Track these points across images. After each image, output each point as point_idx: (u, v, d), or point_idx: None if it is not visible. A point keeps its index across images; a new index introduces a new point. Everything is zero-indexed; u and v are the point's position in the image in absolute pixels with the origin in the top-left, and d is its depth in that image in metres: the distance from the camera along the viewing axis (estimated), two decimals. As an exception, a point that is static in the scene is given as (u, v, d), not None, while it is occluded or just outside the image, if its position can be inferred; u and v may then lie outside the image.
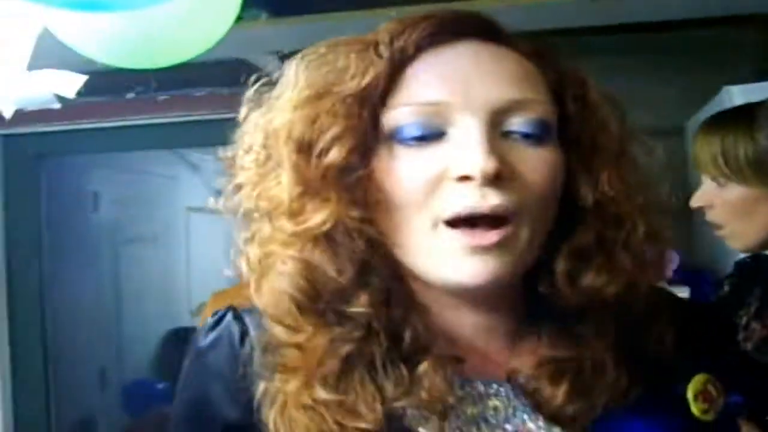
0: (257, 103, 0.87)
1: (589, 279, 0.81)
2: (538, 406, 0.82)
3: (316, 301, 0.79)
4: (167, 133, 3.34)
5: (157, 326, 4.69)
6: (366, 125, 0.79)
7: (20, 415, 3.37)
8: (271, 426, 0.79)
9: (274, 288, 0.81)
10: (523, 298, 0.85)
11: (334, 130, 0.78)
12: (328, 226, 0.77)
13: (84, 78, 1.23)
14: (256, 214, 0.83)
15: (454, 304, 0.84)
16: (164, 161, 4.63)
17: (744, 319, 1.63)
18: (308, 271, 0.79)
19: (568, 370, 0.81)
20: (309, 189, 0.79)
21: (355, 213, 0.78)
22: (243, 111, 0.88)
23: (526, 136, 0.78)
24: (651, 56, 2.96)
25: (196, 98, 3.15)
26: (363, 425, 0.77)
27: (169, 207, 4.86)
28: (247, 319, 0.87)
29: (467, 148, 0.76)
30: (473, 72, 0.79)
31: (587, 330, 0.83)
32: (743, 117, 1.67)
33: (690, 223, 1.99)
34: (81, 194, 4.08)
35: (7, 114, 1.27)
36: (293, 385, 0.79)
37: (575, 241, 0.82)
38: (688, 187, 1.78)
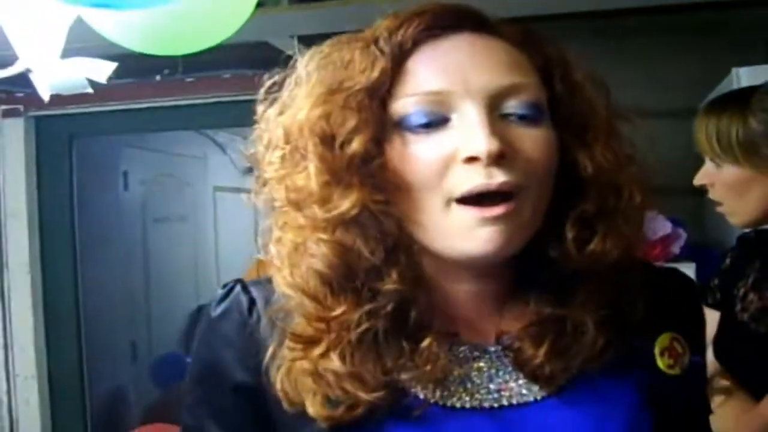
0: (270, 102, 0.93)
1: (596, 244, 0.87)
2: (520, 365, 0.88)
3: (350, 279, 0.84)
4: (194, 114, 3.40)
5: (185, 303, 4.78)
6: (377, 116, 0.84)
7: (56, 385, 3.48)
8: (278, 387, 0.85)
9: (307, 269, 0.86)
10: (513, 266, 0.91)
11: (351, 123, 0.84)
12: (355, 210, 0.83)
13: (114, 65, 1.30)
14: (285, 206, 0.88)
15: (455, 276, 0.90)
16: (192, 142, 4.70)
17: (742, 291, 1.68)
18: (341, 252, 0.84)
19: (550, 332, 0.87)
20: (334, 178, 0.83)
21: (378, 197, 0.83)
22: (259, 110, 0.94)
23: (521, 118, 0.84)
24: (666, 37, 2.97)
25: (222, 80, 3.22)
26: (366, 395, 0.83)
27: (197, 186, 4.94)
28: (254, 291, 0.93)
29: (472, 132, 0.81)
30: (469, 62, 0.85)
31: (573, 295, 0.88)
32: (738, 100, 1.71)
33: (702, 200, 2.04)
34: (111, 174, 4.14)
35: (45, 97, 1.35)
36: (312, 354, 0.84)
37: (581, 210, 0.88)
38: (702, 166, 1.84)
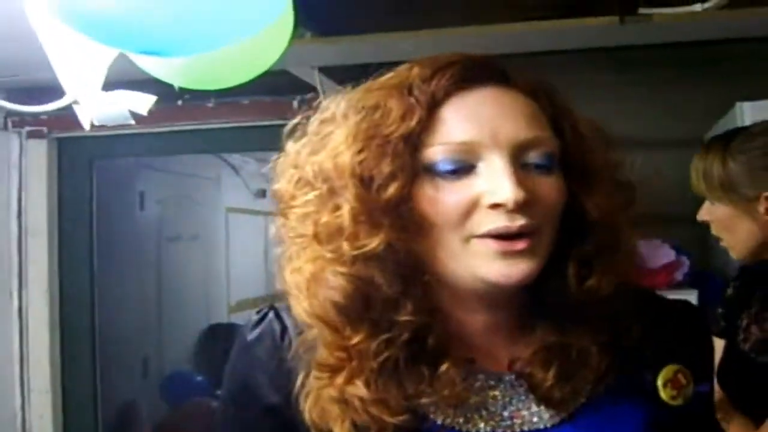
0: (298, 137, 1.01)
1: (593, 281, 0.95)
2: (532, 389, 0.95)
3: (366, 310, 0.91)
4: (212, 138, 3.46)
5: (197, 321, 4.83)
6: (410, 161, 0.91)
7: (69, 398, 3.51)
8: (306, 416, 0.92)
9: (325, 299, 0.92)
10: (521, 298, 0.98)
11: (387, 168, 0.90)
12: (381, 248, 0.89)
13: (154, 98, 1.38)
14: (308, 239, 0.94)
15: (469, 307, 0.97)
16: (207, 163, 4.76)
17: (745, 321, 1.74)
18: (359, 284, 0.90)
19: (557, 357, 0.95)
20: (368, 218, 0.89)
21: (402, 236, 0.90)
22: (287, 144, 1.01)
23: (538, 167, 0.92)
24: (674, 69, 3.04)
25: (241, 105, 3.29)
26: (391, 419, 0.89)
27: (210, 207, 5.01)
28: (286, 318, 1.00)
29: (498, 180, 0.88)
30: (496, 115, 0.92)
31: (575, 322, 0.96)
32: (723, 141, 1.79)
33: (705, 227, 2.10)
34: (129, 194, 4.21)
35: (87, 127, 1.43)
36: (337, 381, 0.90)
37: (583, 250, 0.96)
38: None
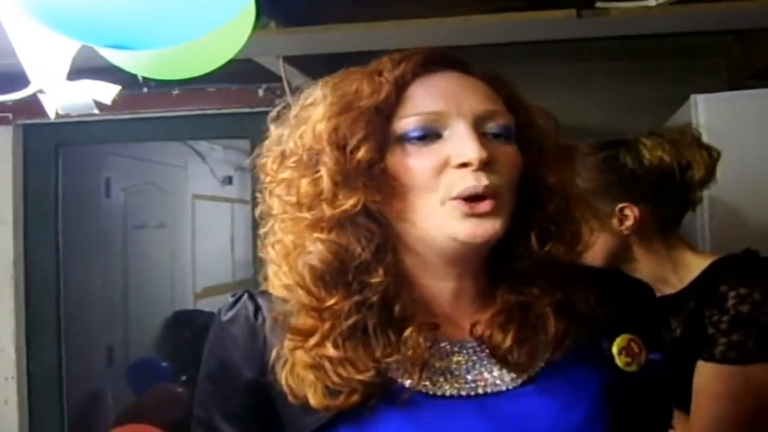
0: (280, 122, 1.10)
1: (552, 243, 1.05)
2: (492, 351, 1.03)
3: (342, 274, 1.00)
4: (178, 125, 3.47)
5: (162, 308, 4.86)
6: (381, 131, 1.01)
7: (34, 385, 3.52)
8: (283, 383, 0.99)
9: (304, 265, 1.01)
10: (486, 266, 1.08)
11: (359, 134, 1.00)
12: (358, 208, 0.99)
13: (119, 87, 1.41)
14: (289, 210, 1.04)
15: (437, 274, 1.06)
16: (173, 150, 4.78)
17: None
18: (335, 249, 1.00)
19: (515, 320, 1.03)
20: (344, 179, 1.00)
21: (377, 198, 1.00)
22: (271, 129, 1.11)
23: (497, 136, 1.03)
24: (634, 61, 3.10)
25: (207, 93, 3.31)
26: (360, 377, 0.96)
27: (176, 194, 5.02)
28: (260, 300, 1.08)
29: (463, 143, 0.99)
30: (459, 91, 1.04)
31: (533, 288, 1.05)
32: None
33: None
34: (94, 181, 4.21)
35: (52, 116, 1.45)
36: (305, 347, 0.99)
37: (543, 216, 1.06)
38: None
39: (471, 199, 0.98)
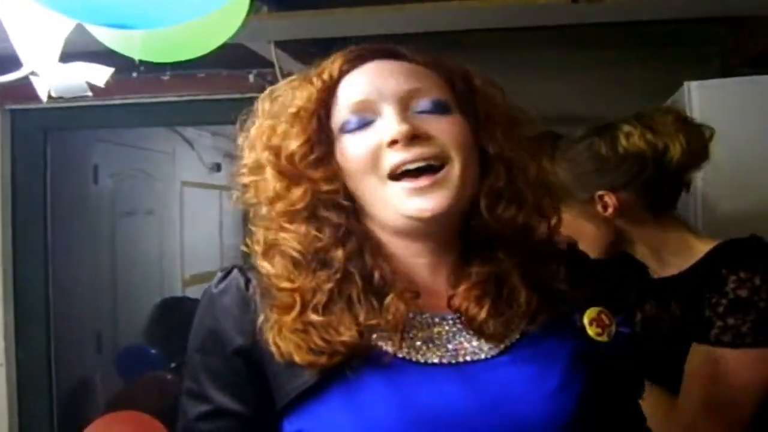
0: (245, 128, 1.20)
1: (502, 209, 1.11)
2: (468, 323, 1.09)
3: (306, 258, 1.09)
4: (167, 111, 3.45)
5: (151, 295, 4.83)
6: (313, 125, 1.11)
7: (23, 373, 3.51)
8: (271, 344, 1.04)
9: (278, 254, 1.11)
10: (460, 244, 1.14)
11: (290, 132, 1.11)
12: (307, 199, 1.09)
13: (112, 70, 1.39)
14: (263, 208, 1.15)
15: (411, 250, 1.13)
16: (161, 137, 4.75)
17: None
18: (299, 238, 1.09)
19: (489, 294, 1.09)
20: (285, 177, 1.11)
21: (325, 187, 1.09)
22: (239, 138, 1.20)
23: (430, 111, 1.10)
24: (627, 48, 3.09)
25: (196, 79, 3.30)
26: (343, 338, 1.02)
27: (165, 181, 4.99)
28: (249, 273, 1.14)
29: (388, 123, 1.08)
30: (381, 77, 1.12)
31: (504, 261, 1.12)
32: (551, 151, 1.78)
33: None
34: (82, 167, 4.17)
35: (44, 98, 1.44)
36: (289, 317, 1.05)
37: (490, 183, 1.12)
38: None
39: (412, 175, 1.06)
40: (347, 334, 1.03)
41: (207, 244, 5.35)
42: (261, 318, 1.07)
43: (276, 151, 1.12)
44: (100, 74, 1.40)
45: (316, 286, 1.07)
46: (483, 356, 1.07)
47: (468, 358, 1.07)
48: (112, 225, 4.47)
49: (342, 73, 1.14)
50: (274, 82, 3.18)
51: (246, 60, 3.02)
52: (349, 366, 1.02)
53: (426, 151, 1.06)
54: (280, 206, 1.11)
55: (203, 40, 1.47)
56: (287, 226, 1.11)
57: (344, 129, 1.11)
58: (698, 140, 1.71)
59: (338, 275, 1.07)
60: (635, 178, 1.70)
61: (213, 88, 3.31)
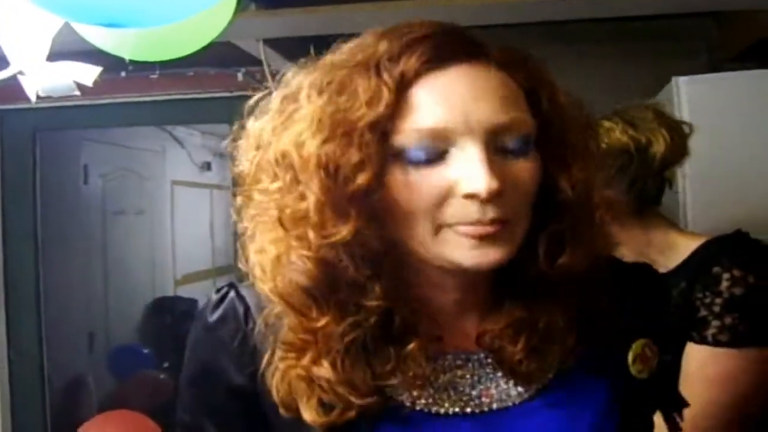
0: (259, 112, 0.95)
1: (565, 259, 0.91)
2: (501, 363, 0.93)
3: (333, 293, 0.87)
4: (157, 110, 3.44)
5: (143, 295, 4.84)
6: (379, 146, 0.85)
7: (16, 373, 3.50)
8: (273, 391, 0.89)
9: (290, 282, 0.88)
10: (493, 274, 0.94)
11: (355, 158, 0.84)
12: (348, 238, 0.85)
13: (100, 69, 1.39)
14: (268, 220, 0.91)
15: (441, 286, 0.94)
16: (151, 136, 4.74)
17: None
18: (325, 267, 0.87)
19: (525, 330, 0.92)
20: (335, 208, 0.85)
21: (372, 225, 0.86)
22: (249, 121, 0.95)
23: (515, 152, 0.87)
24: (617, 43, 3.10)
25: (185, 77, 3.29)
26: (357, 400, 0.87)
27: (155, 180, 4.98)
28: (248, 297, 0.97)
29: (472, 169, 0.84)
30: (469, 97, 0.86)
31: (544, 299, 0.93)
32: None
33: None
34: (72, 167, 4.17)
35: (33, 98, 1.43)
36: (303, 361, 0.88)
37: (555, 228, 0.92)
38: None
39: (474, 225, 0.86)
40: (363, 392, 0.88)
41: (198, 243, 5.35)
42: (264, 359, 0.92)
43: (331, 176, 0.85)
44: (88, 73, 1.40)
45: (335, 331, 0.88)
46: (510, 403, 0.93)
47: (495, 407, 0.93)
48: (103, 225, 4.47)
49: (417, 75, 0.87)
50: (263, 80, 3.20)
51: (235, 58, 3.02)
52: (362, 420, 0.89)
53: (500, 214, 0.85)
54: (312, 236, 0.86)
55: (191, 38, 1.46)
56: (308, 253, 0.88)
57: (407, 157, 0.86)
58: (679, 135, 1.70)
59: (374, 319, 0.88)
60: (619, 174, 1.68)
61: (202, 86, 3.31)
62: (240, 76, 3.25)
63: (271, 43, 2.71)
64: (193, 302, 4.63)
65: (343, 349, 0.88)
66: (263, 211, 0.92)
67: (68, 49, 1.47)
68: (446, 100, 0.86)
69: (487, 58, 0.90)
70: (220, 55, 2.95)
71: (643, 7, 2.50)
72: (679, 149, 1.69)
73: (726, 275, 1.55)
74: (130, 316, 4.66)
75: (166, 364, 4.42)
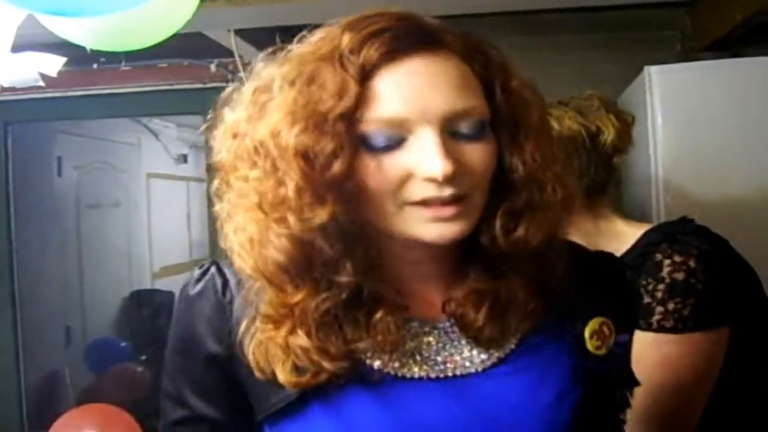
0: (233, 104, 1.00)
1: (520, 233, 0.98)
2: (464, 329, 0.99)
3: (308, 270, 0.94)
4: (129, 102, 3.42)
5: (119, 288, 4.82)
6: (348, 134, 0.91)
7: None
8: (250, 357, 0.96)
9: (269, 260, 0.94)
10: (457, 248, 1.01)
11: (330, 147, 0.90)
12: (325, 221, 0.91)
13: (64, 59, 1.38)
14: (247, 203, 0.95)
15: (408, 258, 1.01)
16: (126, 128, 4.71)
17: None
18: (302, 246, 0.93)
19: (487, 298, 0.99)
20: (313, 193, 0.90)
21: (344, 208, 0.91)
22: (225, 111, 1.00)
23: (469, 137, 0.93)
24: (589, 33, 3.12)
25: (157, 69, 3.28)
26: (330, 364, 0.93)
27: (130, 173, 4.96)
28: (227, 273, 1.03)
29: (428, 154, 0.90)
30: (426, 87, 0.92)
31: (505, 271, 1.00)
32: None
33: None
34: (46, 160, 4.15)
35: (-2, 89, 1.42)
36: (281, 332, 0.94)
37: (509, 204, 0.98)
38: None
39: (434, 202, 0.92)
40: (335, 357, 0.94)
41: (175, 235, 5.33)
42: (241, 328, 0.98)
43: (309, 162, 0.91)
44: (52, 64, 1.39)
45: (309, 305, 0.95)
46: (474, 369, 0.99)
47: (458, 372, 0.98)
48: (77, 217, 4.45)
49: (377, 66, 0.92)
50: (235, 71, 3.19)
51: (207, 49, 3.00)
52: (333, 382, 0.94)
53: (459, 190, 0.92)
54: (292, 220, 0.92)
55: (155, 28, 1.45)
56: (285, 231, 0.93)
57: (369, 143, 0.92)
58: (625, 123, 1.71)
59: (345, 294, 0.95)
60: (570, 162, 1.68)
61: (175, 77, 3.29)
62: (213, 68, 3.23)
63: (243, 33, 2.70)
64: (170, 295, 4.60)
65: (317, 320, 0.94)
66: (243, 196, 0.97)
67: (35, 41, 1.45)
68: (404, 91, 0.92)
69: (444, 47, 0.95)
70: (193, 47, 2.93)
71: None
72: (627, 137, 1.71)
73: (667, 261, 1.56)
74: (106, 309, 4.64)
75: (143, 357, 4.40)
